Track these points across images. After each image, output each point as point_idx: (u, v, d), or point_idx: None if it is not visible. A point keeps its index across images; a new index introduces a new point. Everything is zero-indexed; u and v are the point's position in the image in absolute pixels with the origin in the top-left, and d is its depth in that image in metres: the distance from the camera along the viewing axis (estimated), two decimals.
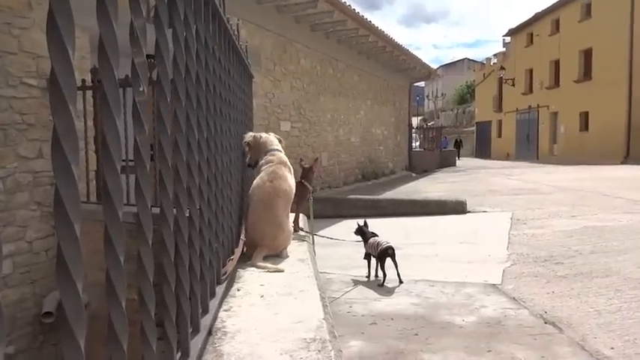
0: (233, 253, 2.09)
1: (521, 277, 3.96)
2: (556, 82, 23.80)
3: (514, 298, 3.46)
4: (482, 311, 3.22)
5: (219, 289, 1.73)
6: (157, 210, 1.02)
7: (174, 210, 1.06)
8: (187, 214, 1.23)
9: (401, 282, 3.79)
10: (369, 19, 11.13)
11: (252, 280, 2.07)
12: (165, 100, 1.00)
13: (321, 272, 4.18)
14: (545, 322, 3.01)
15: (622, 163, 17.34)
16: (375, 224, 6.25)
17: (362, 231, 4.06)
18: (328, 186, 10.94)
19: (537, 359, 2.52)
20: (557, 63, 23.75)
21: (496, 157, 30.07)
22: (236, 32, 2.31)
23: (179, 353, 1.11)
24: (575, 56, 21.95)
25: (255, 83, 7.64)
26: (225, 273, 1.87)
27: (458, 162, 25.08)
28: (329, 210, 7.65)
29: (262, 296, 1.83)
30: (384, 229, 6.21)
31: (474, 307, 3.29)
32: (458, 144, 33.01)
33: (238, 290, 1.90)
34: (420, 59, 16.15)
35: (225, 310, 1.67)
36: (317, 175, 10.44)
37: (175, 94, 1.13)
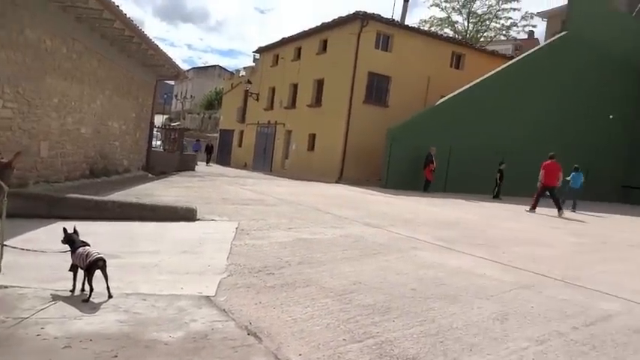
0: None
1: (235, 289, 4.16)
2: (293, 104, 26.39)
3: (224, 310, 3.60)
4: (191, 325, 3.24)
5: None
6: None
7: None
8: None
9: (110, 296, 3.52)
10: (117, 3, 10.30)
11: None
12: None
13: (12, 287, 3.58)
14: (248, 334, 3.21)
15: (336, 182, 20.25)
16: (98, 229, 5.73)
17: (70, 239, 3.62)
18: (46, 180, 9.59)
19: None
20: (295, 86, 26.37)
21: (235, 165, 31.47)
22: None
23: None
24: (310, 83, 24.75)
25: None
26: None
27: (206, 167, 25.43)
28: (42, 209, 6.70)
29: None
30: (107, 234, 5.75)
31: (183, 322, 3.28)
32: (209, 149, 33.26)
33: None
34: (169, 58, 15.75)
35: None
36: (32, 168, 8.98)
37: None
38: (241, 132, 33.10)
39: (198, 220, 7.44)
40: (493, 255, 6.79)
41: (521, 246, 7.92)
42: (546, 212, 14.26)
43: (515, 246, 7.83)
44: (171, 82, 59.70)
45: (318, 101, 24.16)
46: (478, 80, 20.17)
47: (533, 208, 14.34)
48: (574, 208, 16.57)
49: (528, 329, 3.86)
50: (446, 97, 19.81)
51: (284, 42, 27.80)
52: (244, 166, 30.09)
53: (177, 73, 18.50)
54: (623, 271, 6.63)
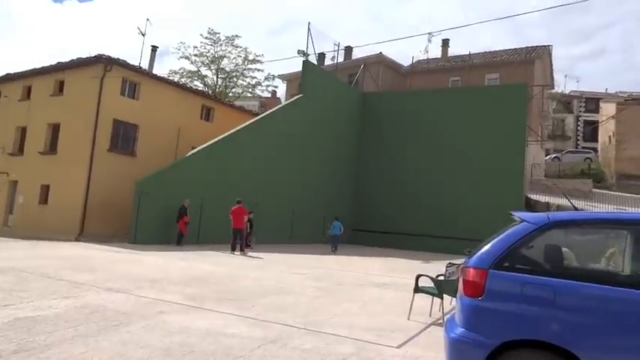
0: None
1: None
2: (20, 150, 22.77)
3: None
4: None
5: None
6: None
7: None
8: None
9: None
10: None
11: None
12: None
13: None
14: None
15: (76, 240, 17.96)
16: None
17: None
18: None
19: None
20: (24, 130, 22.89)
21: None
22: None
23: None
24: (43, 128, 21.80)
25: None
26: None
27: None
28: None
29: None
30: None
31: None
32: None
33: None
34: None
35: None
36: None
37: None
38: None
39: None
40: (243, 310, 6.84)
41: (268, 296, 8.20)
42: (271, 258, 15.31)
43: (263, 297, 8.06)
44: None
45: (53, 148, 21.34)
46: (228, 133, 20.90)
47: (233, 250, 16.27)
48: (334, 250, 19.75)
49: None
50: (197, 149, 19.88)
51: (9, 78, 24.04)
52: None
53: None
54: (354, 311, 7.45)
